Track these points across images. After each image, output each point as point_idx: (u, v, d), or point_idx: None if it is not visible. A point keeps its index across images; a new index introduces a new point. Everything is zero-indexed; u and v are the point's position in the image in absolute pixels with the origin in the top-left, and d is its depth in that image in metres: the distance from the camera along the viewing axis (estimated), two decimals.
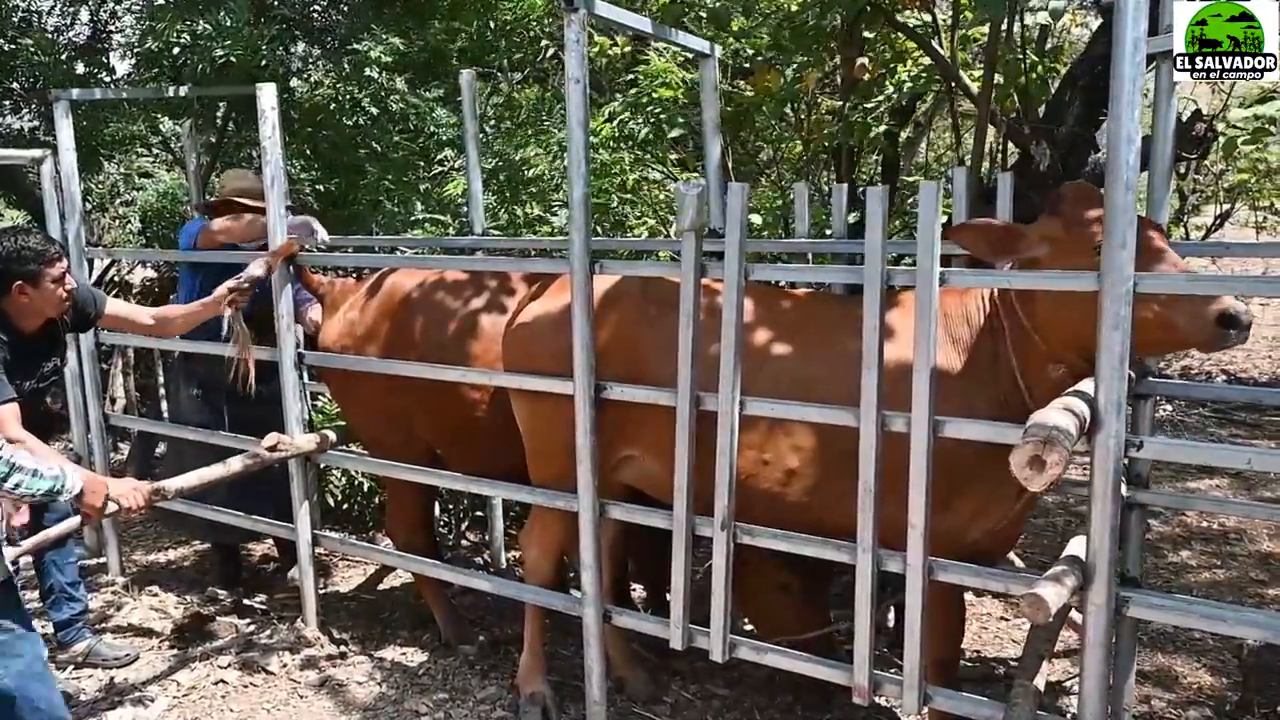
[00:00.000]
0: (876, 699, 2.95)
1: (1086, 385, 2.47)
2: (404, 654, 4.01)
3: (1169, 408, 8.07)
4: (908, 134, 6.74)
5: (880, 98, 5.55)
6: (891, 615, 4.05)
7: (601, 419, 3.13)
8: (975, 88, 4.56)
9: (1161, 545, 5.30)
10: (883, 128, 5.48)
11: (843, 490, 2.95)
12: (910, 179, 6.83)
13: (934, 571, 2.67)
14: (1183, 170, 7.44)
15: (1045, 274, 2.51)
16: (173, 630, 4.16)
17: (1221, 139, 3.89)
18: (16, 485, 2.47)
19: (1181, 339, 2.56)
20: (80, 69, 6.49)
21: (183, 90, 5.34)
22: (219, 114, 6.45)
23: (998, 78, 4.21)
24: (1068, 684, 3.73)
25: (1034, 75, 4.39)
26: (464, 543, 5.43)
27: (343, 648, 4.06)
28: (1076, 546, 2.54)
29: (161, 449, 6.36)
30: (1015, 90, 4.33)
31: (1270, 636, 2.31)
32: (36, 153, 4.80)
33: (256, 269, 3.81)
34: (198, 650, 4.00)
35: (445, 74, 6.19)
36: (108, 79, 6.73)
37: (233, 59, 5.21)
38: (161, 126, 7.64)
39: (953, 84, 4.82)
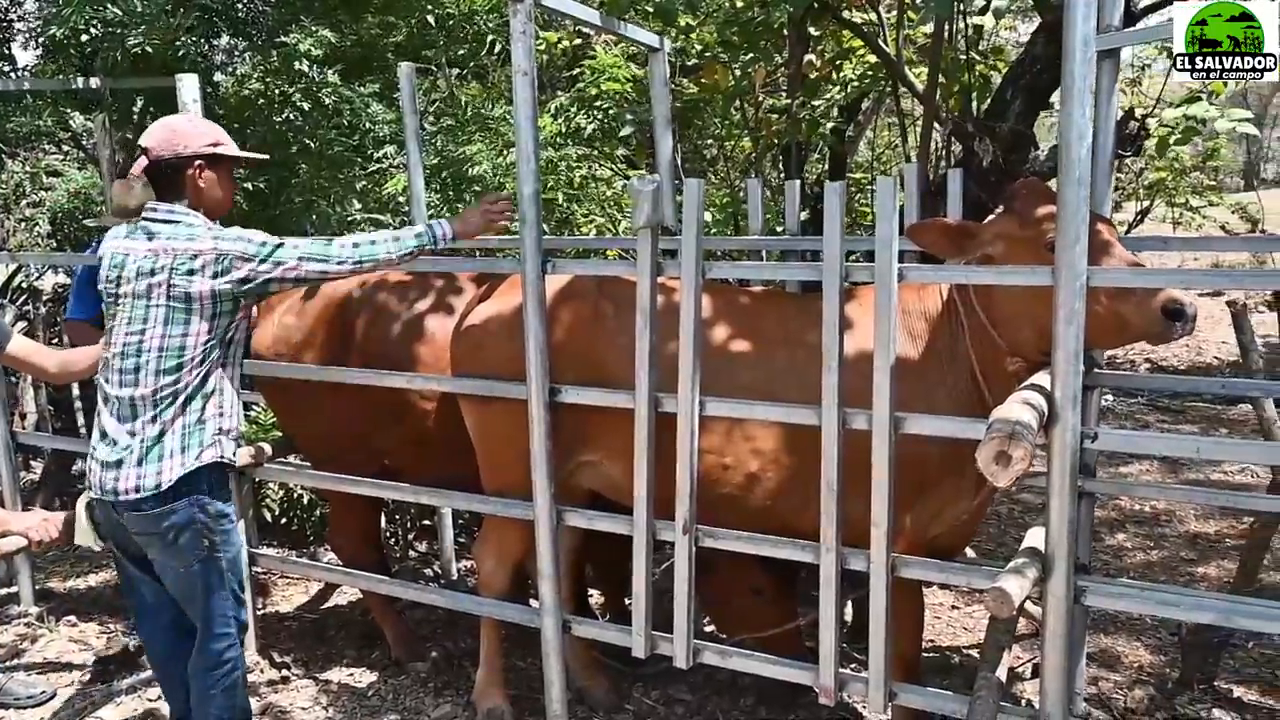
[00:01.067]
0: (842, 698, 2.95)
1: (1041, 378, 2.49)
2: (351, 675, 3.88)
3: (1110, 397, 8.31)
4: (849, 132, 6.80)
5: (827, 95, 5.59)
6: (849, 610, 4.06)
7: (558, 423, 3.06)
8: (920, 85, 4.60)
9: (1099, 529, 5.42)
10: (830, 125, 5.52)
11: (807, 492, 2.94)
12: (855, 176, 6.91)
13: (897, 569, 2.67)
14: None
15: (1001, 269, 2.53)
16: (95, 662, 3.93)
17: (1154, 138, 3.98)
18: (373, 256, 2.76)
19: (1131, 332, 2.60)
20: None
21: (94, 82, 5.06)
22: (135, 108, 6.18)
23: (942, 76, 4.26)
24: (1019, 669, 3.77)
25: (976, 74, 4.45)
26: (412, 554, 5.31)
27: (285, 671, 3.90)
28: (1035, 538, 2.55)
29: (80, 466, 6.11)
30: (960, 88, 4.38)
31: (1221, 620, 2.35)
32: None
33: None
34: (124, 683, 3.78)
35: (381, 69, 6.05)
36: (9, 70, 6.39)
37: (148, 49, 4.98)
38: (71, 122, 7.32)
39: (898, 82, 4.87)
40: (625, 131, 5.43)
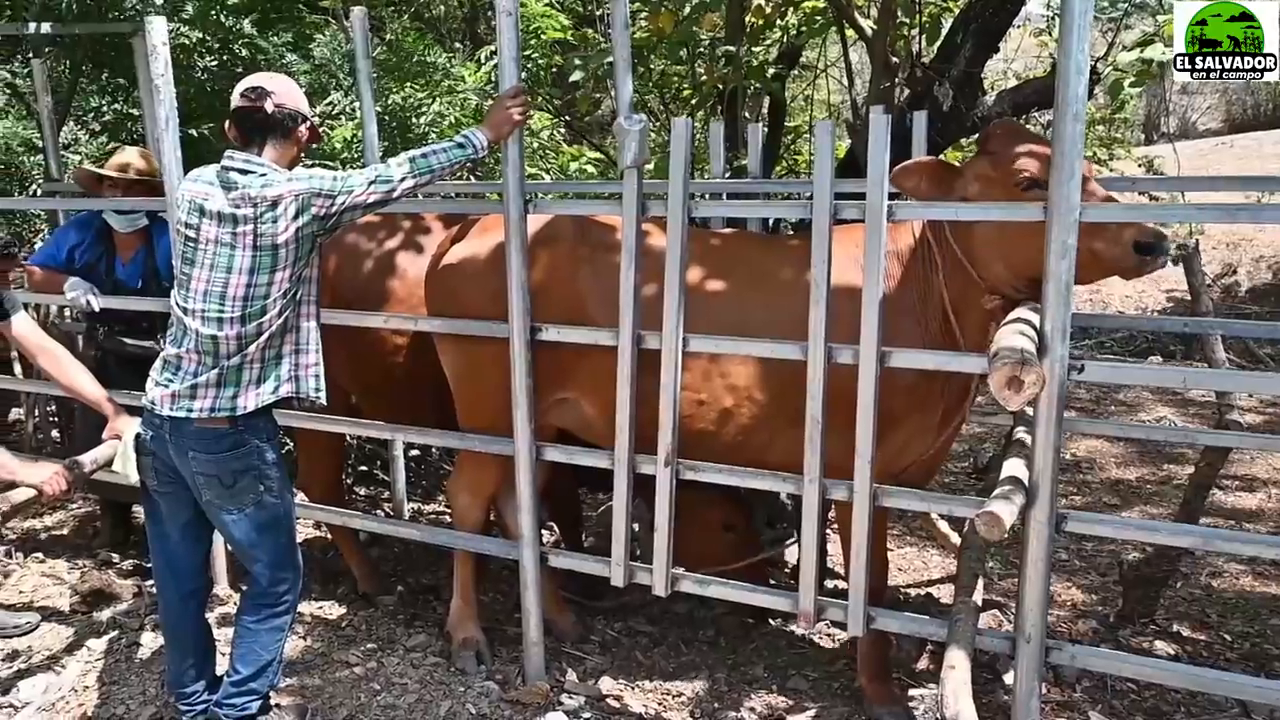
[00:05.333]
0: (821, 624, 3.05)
1: (1020, 313, 2.59)
2: (321, 608, 3.88)
3: None
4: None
5: (769, 40, 5.61)
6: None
7: (536, 361, 3.07)
8: (869, 30, 4.65)
9: None
10: (772, 71, 5.55)
11: (779, 427, 3.02)
12: (795, 124, 6.99)
13: (879, 497, 2.76)
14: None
15: (993, 205, 2.58)
16: (73, 595, 3.88)
17: (1107, 80, 4.11)
18: (430, 168, 2.72)
19: (1103, 267, 2.66)
20: None
21: (45, 27, 4.87)
22: (63, 59, 5.94)
23: (901, 16, 4.30)
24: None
25: (926, 16, 4.52)
26: (354, 498, 5.27)
27: None
28: (1015, 468, 2.65)
29: (16, 414, 5.86)
30: (912, 30, 4.44)
31: (1201, 545, 2.50)
32: None
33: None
34: (105, 614, 3.74)
35: (290, 19, 5.88)
36: None
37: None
38: None
39: (845, 26, 4.90)
40: (575, 78, 5.40)
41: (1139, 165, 12.71)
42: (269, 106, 2.64)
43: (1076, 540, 4.63)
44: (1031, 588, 2.58)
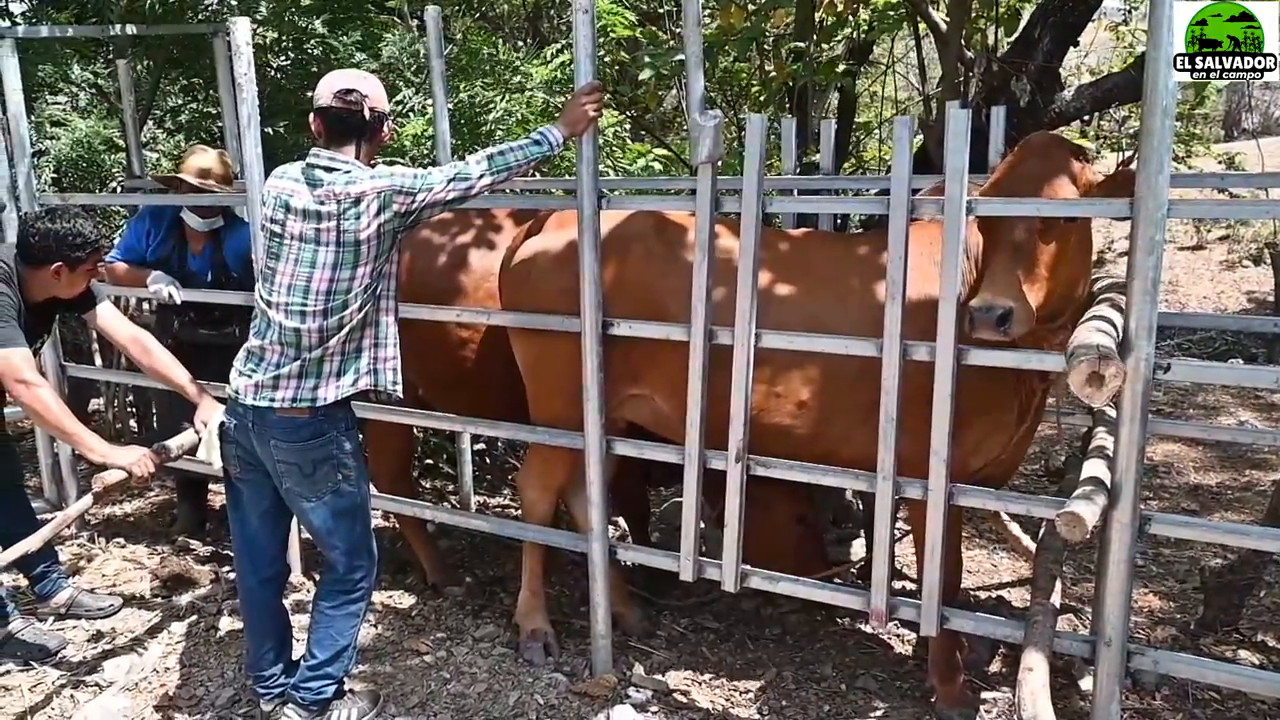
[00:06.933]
0: (892, 622, 3.02)
1: (1099, 310, 2.54)
2: (391, 597, 3.95)
3: None
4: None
5: (840, 36, 5.56)
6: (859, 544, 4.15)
7: (609, 356, 3.08)
8: (944, 24, 4.57)
9: None
10: (842, 67, 5.50)
11: (851, 422, 2.99)
12: (861, 120, 6.92)
13: (955, 496, 2.72)
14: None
15: (1074, 202, 2.53)
16: (153, 579, 4.02)
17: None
18: (507, 165, 2.75)
19: None
20: None
21: (130, 29, 5.08)
22: (145, 60, 6.13)
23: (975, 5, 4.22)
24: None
25: (1003, 9, 4.43)
26: (420, 490, 5.34)
27: None
28: (1095, 468, 2.60)
29: (96, 404, 6.06)
30: (987, 24, 4.36)
31: None
32: None
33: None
34: (184, 599, 3.88)
35: (361, 18, 6.00)
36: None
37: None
38: (71, 73, 7.21)
39: (919, 21, 4.83)
40: (644, 75, 5.41)
41: (1219, 162, 12.32)
42: (365, 111, 2.69)
43: (1154, 545, 4.51)
44: (1113, 590, 2.52)
